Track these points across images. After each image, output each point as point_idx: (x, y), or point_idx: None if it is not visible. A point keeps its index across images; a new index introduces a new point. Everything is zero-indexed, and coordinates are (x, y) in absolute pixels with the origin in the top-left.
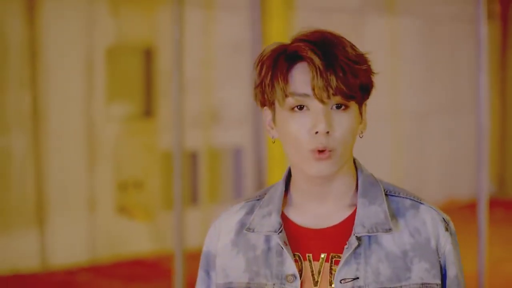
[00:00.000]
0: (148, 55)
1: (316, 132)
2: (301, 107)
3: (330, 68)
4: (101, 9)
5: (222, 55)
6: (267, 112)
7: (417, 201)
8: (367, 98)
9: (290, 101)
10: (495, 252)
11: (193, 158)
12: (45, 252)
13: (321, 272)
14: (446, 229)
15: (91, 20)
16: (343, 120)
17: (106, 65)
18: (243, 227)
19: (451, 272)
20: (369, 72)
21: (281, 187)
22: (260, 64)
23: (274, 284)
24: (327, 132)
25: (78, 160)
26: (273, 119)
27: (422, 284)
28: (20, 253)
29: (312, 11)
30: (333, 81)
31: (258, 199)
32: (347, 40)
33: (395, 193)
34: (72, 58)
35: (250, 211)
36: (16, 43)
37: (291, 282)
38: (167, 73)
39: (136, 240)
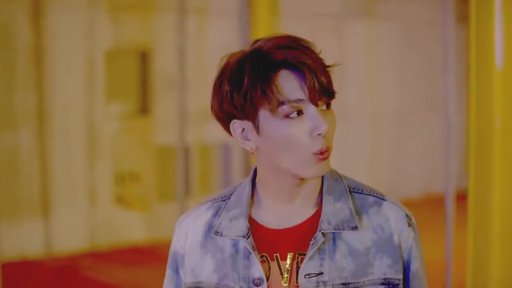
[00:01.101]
0: (144, 58)
1: (319, 134)
2: (299, 112)
3: (316, 71)
4: (101, 15)
5: (213, 58)
6: (236, 125)
7: (380, 198)
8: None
9: (285, 108)
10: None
11: (185, 153)
12: (49, 239)
13: (290, 271)
14: (409, 225)
15: (91, 25)
16: (331, 119)
17: (106, 67)
18: (211, 229)
19: (413, 267)
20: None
21: (247, 190)
22: (236, 75)
23: (241, 287)
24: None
25: (80, 155)
26: (255, 129)
27: (384, 279)
28: (26, 241)
29: (296, 17)
30: (322, 83)
31: (224, 200)
32: (309, 42)
33: (358, 189)
34: (74, 61)
35: (216, 212)
36: (23, 47)
37: (258, 286)
38: (162, 74)
39: (132, 228)
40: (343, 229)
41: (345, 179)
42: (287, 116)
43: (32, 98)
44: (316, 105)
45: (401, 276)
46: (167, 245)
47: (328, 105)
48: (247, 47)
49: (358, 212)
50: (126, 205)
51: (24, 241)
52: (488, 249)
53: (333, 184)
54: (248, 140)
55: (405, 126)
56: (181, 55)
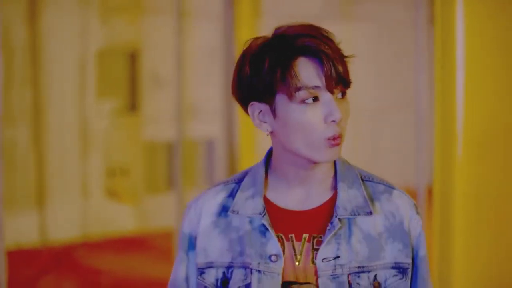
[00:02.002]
0: (133, 57)
1: (332, 121)
2: (315, 99)
3: (336, 59)
4: (93, 17)
5: (197, 58)
6: (255, 106)
7: (389, 187)
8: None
9: (302, 94)
10: None
11: (171, 148)
12: (44, 229)
13: (303, 252)
14: (417, 213)
15: (84, 26)
16: (346, 107)
17: (97, 66)
18: (225, 209)
19: (421, 252)
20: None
21: (261, 172)
22: (257, 58)
23: (259, 263)
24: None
25: (73, 149)
26: (272, 112)
27: (395, 263)
28: (22, 230)
29: (277, 18)
30: (340, 71)
31: (237, 182)
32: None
33: (369, 178)
34: (68, 60)
35: (230, 194)
36: (19, 46)
37: (274, 262)
38: (150, 73)
39: (122, 219)
40: (359, 214)
41: (356, 168)
42: (303, 101)
43: (28, 95)
44: (332, 92)
45: (410, 261)
46: (155, 235)
47: (343, 94)
48: (270, 33)
49: (371, 199)
50: (116, 197)
51: (20, 230)
52: (451, 241)
53: (346, 171)
54: (264, 122)
55: (381, 122)
56: (177, 55)
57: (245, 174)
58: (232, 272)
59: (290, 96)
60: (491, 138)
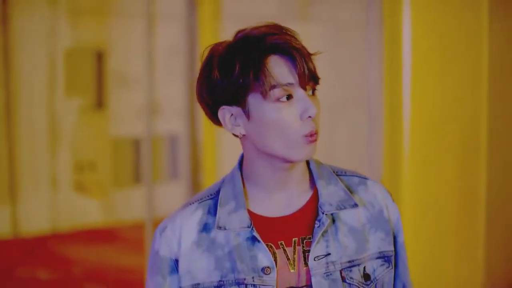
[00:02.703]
0: (100, 57)
1: (309, 117)
2: (289, 96)
3: (304, 57)
4: (61, 18)
5: (161, 57)
6: (225, 110)
7: (363, 177)
8: None
9: (277, 92)
10: None
11: (136, 144)
12: (16, 221)
13: (296, 256)
14: (393, 200)
15: (53, 27)
16: (317, 104)
17: (65, 65)
18: (206, 227)
19: (400, 238)
20: None
21: (238, 182)
22: (226, 61)
23: (253, 278)
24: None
25: (43, 145)
26: (244, 114)
27: (380, 252)
28: None
29: (236, 20)
30: (311, 69)
31: (212, 198)
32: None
33: (342, 172)
34: (37, 59)
35: (208, 211)
36: None
37: (268, 274)
38: (115, 72)
39: (90, 212)
40: (345, 208)
41: (327, 165)
42: (277, 99)
43: (0, 93)
44: (305, 89)
45: (392, 248)
46: (121, 227)
47: (313, 91)
48: (231, 36)
49: (350, 191)
50: (84, 191)
51: None
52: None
53: (320, 169)
54: (237, 125)
55: (336, 118)
56: (148, 55)
57: (218, 187)
58: None
59: (265, 95)
60: (436, 134)
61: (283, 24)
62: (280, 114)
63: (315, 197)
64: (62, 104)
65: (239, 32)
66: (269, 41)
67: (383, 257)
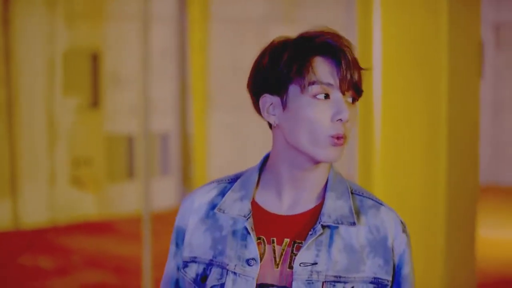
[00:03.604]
0: (95, 59)
1: (338, 120)
2: (326, 96)
3: (353, 64)
4: (59, 22)
5: (153, 58)
6: (266, 98)
7: (378, 202)
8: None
9: (315, 88)
10: None
11: (130, 141)
12: (17, 214)
13: (283, 256)
14: (403, 231)
15: (51, 30)
16: (354, 112)
17: (63, 66)
18: (213, 207)
19: (404, 271)
20: None
21: (254, 175)
22: (277, 51)
23: (235, 265)
24: (347, 121)
25: (42, 142)
26: (282, 104)
27: (374, 278)
28: None
29: (225, 21)
30: (355, 76)
31: (230, 182)
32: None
33: (359, 192)
34: (37, 61)
35: (221, 193)
36: None
37: (251, 266)
38: (110, 73)
39: (86, 205)
40: (342, 223)
41: (348, 182)
42: (314, 96)
43: (2, 92)
44: (343, 93)
45: (390, 278)
46: (115, 219)
47: (354, 100)
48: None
49: (357, 211)
50: (81, 185)
51: None
52: None
53: (337, 183)
54: (273, 115)
55: None
56: (143, 56)
57: (240, 175)
58: (211, 269)
59: (303, 89)
60: (406, 133)
61: (269, 25)
62: (313, 110)
63: (321, 206)
64: (60, 103)
65: (303, 32)
66: (321, 40)
67: (377, 284)
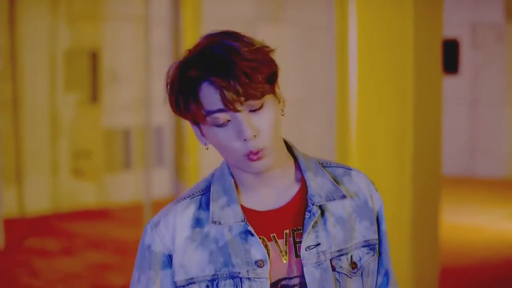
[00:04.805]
0: (94, 57)
1: (245, 139)
2: (222, 124)
3: (233, 79)
4: (61, 22)
5: (149, 57)
6: (194, 126)
7: (347, 168)
8: (276, 80)
9: (210, 119)
10: None
11: (126, 134)
12: (22, 202)
13: (287, 247)
14: (376, 189)
15: (53, 30)
16: (264, 117)
17: (64, 64)
18: (199, 222)
19: (383, 226)
20: (270, 60)
21: (229, 178)
22: (170, 88)
23: (247, 271)
24: (254, 136)
25: (45, 135)
26: (200, 131)
27: (365, 241)
28: (3, 203)
29: (215, 22)
30: (240, 90)
31: (203, 193)
32: (242, 37)
33: (327, 164)
34: (40, 59)
35: (200, 206)
36: (0, 47)
37: (261, 267)
38: (108, 70)
39: (86, 194)
40: (334, 199)
41: (313, 157)
42: (213, 124)
43: (7, 88)
44: (238, 111)
45: (377, 236)
46: (113, 207)
47: (257, 106)
48: (182, 53)
49: (337, 182)
50: (81, 175)
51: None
52: None
53: (307, 161)
54: (203, 136)
55: (304, 111)
56: (147, 54)
57: (208, 182)
58: (217, 284)
59: (202, 122)
60: (379, 127)
61: (258, 25)
62: (218, 137)
63: (304, 189)
64: (61, 98)
65: (187, 51)
66: (197, 71)
67: (369, 246)
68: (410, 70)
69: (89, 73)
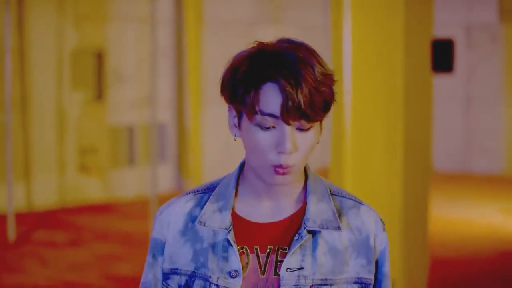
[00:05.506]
0: (100, 57)
1: (280, 152)
2: (266, 127)
3: (298, 91)
4: (67, 23)
5: (153, 56)
6: (232, 110)
7: (358, 202)
8: (328, 112)
9: (258, 118)
10: None
11: (130, 131)
12: (30, 197)
13: (268, 263)
14: (383, 229)
15: (60, 31)
16: (306, 139)
17: (71, 64)
18: (192, 219)
19: (385, 268)
20: (333, 90)
21: (232, 184)
22: (233, 72)
23: (218, 278)
24: (291, 152)
25: (52, 132)
26: (238, 121)
27: (358, 278)
28: (12, 197)
29: (217, 24)
30: (301, 105)
31: (206, 192)
32: (318, 57)
33: (338, 193)
34: (48, 58)
35: (198, 204)
36: (10, 47)
37: (234, 278)
38: (113, 69)
39: (92, 189)
40: (327, 228)
41: (326, 182)
42: (258, 124)
43: (16, 87)
44: (288, 124)
45: (373, 277)
46: (118, 202)
47: (306, 127)
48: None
49: (339, 213)
50: (87, 171)
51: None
52: None
53: (316, 185)
54: (236, 126)
55: None
56: (153, 55)
57: (216, 184)
58: (194, 281)
59: (249, 117)
60: (373, 124)
61: (258, 26)
62: (257, 138)
63: (302, 211)
64: (68, 97)
65: (259, 44)
66: (267, 70)
67: (361, 283)
68: (401, 69)
69: (95, 72)
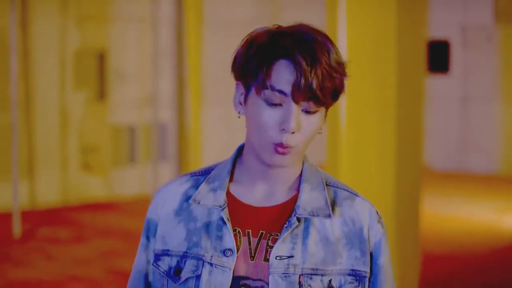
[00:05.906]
0: (102, 57)
1: (283, 129)
2: (273, 104)
3: (312, 71)
4: (71, 25)
5: (154, 57)
6: (240, 86)
7: (353, 193)
8: (336, 101)
9: (267, 94)
10: None
11: (131, 130)
12: (33, 195)
13: (258, 248)
14: (378, 221)
15: (63, 31)
16: (311, 122)
17: (74, 64)
18: (187, 199)
19: (380, 261)
20: (344, 81)
21: (228, 166)
22: (249, 46)
23: (211, 256)
24: (293, 132)
25: (55, 130)
26: (245, 98)
27: (352, 270)
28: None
29: (217, 24)
30: (312, 86)
31: (203, 174)
32: (334, 45)
33: (334, 184)
34: (51, 59)
35: (194, 185)
36: (14, 47)
37: (228, 256)
38: (115, 70)
39: (94, 187)
40: (317, 215)
41: (323, 173)
42: (266, 100)
43: (20, 87)
44: (297, 103)
45: (368, 269)
46: (119, 200)
47: (313, 109)
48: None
49: (333, 203)
50: (89, 169)
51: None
52: None
53: (312, 174)
54: (240, 104)
55: None
56: (154, 56)
57: (213, 167)
58: (185, 262)
59: (258, 91)
60: (366, 122)
61: (255, 26)
62: (262, 114)
63: (296, 198)
64: (70, 96)
65: (277, 26)
66: (289, 41)
67: (355, 276)
68: (394, 67)
69: (97, 72)
